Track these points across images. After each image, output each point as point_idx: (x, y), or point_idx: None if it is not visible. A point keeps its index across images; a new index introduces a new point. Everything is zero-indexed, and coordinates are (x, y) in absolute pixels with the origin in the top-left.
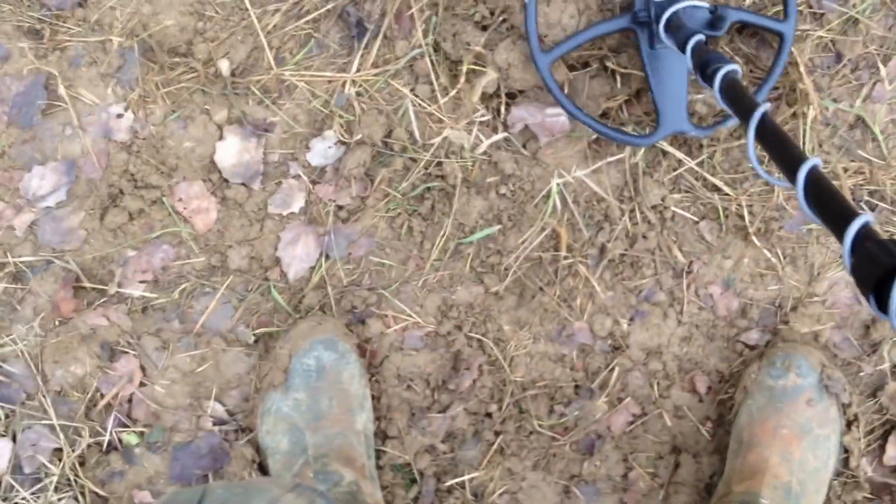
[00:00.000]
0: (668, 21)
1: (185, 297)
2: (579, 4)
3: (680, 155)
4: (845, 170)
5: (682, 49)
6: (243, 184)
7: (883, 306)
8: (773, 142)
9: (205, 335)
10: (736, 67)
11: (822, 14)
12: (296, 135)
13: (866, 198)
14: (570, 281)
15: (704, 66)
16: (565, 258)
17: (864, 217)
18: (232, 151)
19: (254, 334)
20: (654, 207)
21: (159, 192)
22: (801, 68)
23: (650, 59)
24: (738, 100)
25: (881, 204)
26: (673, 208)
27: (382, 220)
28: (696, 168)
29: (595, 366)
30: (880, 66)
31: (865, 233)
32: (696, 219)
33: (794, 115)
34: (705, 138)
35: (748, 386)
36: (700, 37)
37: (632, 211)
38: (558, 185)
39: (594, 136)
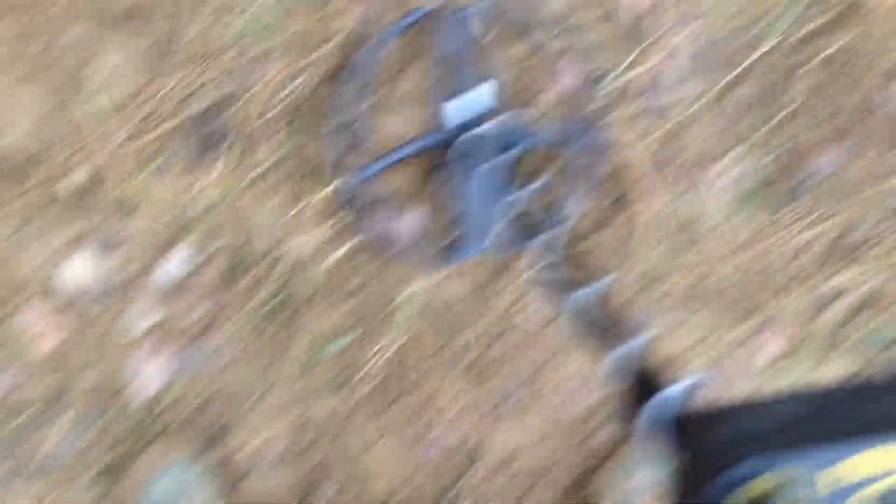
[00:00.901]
0: (471, 144)
1: (26, 427)
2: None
3: (523, 263)
4: (678, 270)
5: (480, 173)
6: (92, 302)
7: None
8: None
9: (47, 467)
10: (536, 186)
11: (652, 121)
12: (147, 249)
13: (699, 296)
14: (427, 386)
15: (499, 192)
16: (422, 364)
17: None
18: (80, 270)
19: (104, 462)
20: (504, 312)
21: (1, 314)
22: (634, 172)
23: (453, 179)
24: (534, 225)
25: (712, 301)
26: (523, 312)
27: (236, 335)
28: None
29: (456, 471)
30: (705, 168)
31: None
32: (543, 324)
33: (625, 218)
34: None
35: (603, 488)
36: (501, 161)
37: (483, 316)
38: (411, 292)
39: (444, 244)
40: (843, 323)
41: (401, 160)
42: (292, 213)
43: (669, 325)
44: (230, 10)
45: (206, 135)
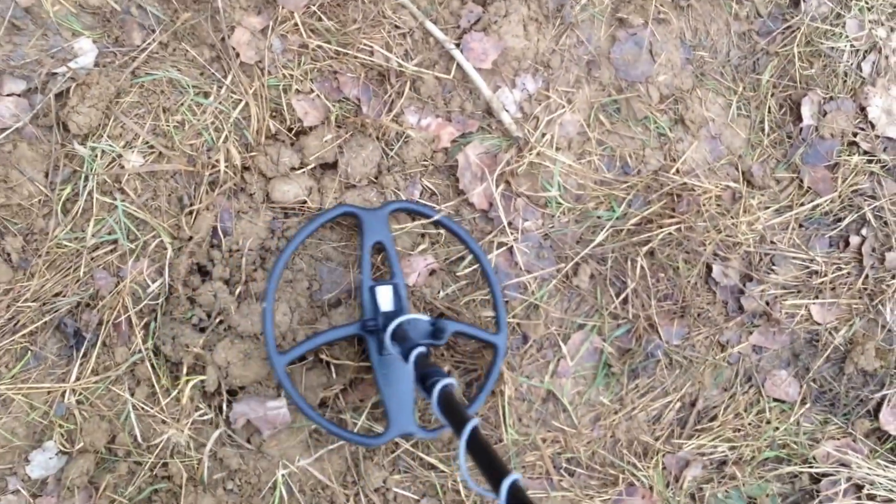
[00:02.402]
0: (394, 331)
1: None
2: (295, 314)
3: (396, 438)
4: (543, 440)
5: (406, 359)
6: None
7: None
8: (481, 454)
9: None
10: (452, 381)
11: (507, 301)
12: (14, 448)
13: (564, 465)
14: None
15: (424, 378)
16: None
17: None
18: None
19: None
20: (376, 490)
21: None
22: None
23: (379, 364)
24: (453, 413)
25: (577, 469)
26: (395, 489)
27: None
28: (412, 449)
29: None
30: (561, 344)
31: None
32: (417, 497)
33: (493, 393)
34: (417, 443)
35: None
36: (422, 349)
37: (356, 495)
38: (284, 475)
39: (314, 426)
40: (702, 483)
41: (324, 344)
42: (157, 407)
43: (538, 495)
44: (93, 213)
45: (73, 332)
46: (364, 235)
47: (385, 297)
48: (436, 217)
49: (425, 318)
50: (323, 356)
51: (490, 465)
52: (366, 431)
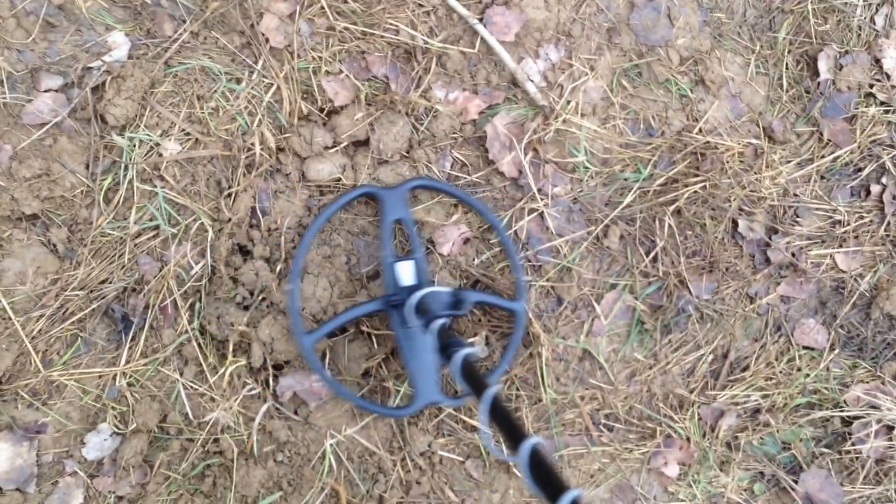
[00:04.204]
0: (416, 305)
1: None
2: (335, 289)
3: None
4: (582, 398)
5: (428, 330)
6: (17, 489)
7: None
8: (502, 420)
9: None
10: (474, 350)
11: (541, 266)
12: (69, 432)
13: (603, 421)
14: None
15: (446, 348)
16: None
17: (576, 492)
18: (2, 458)
19: None
20: (422, 454)
21: None
22: (530, 314)
23: (404, 337)
24: (474, 380)
25: (616, 424)
26: (440, 452)
27: None
28: (455, 412)
29: None
30: (595, 304)
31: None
32: (461, 459)
33: (530, 355)
34: (459, 406)
35: None
36: (444, 320)
37: (402, 460)
38: (331, 445)
39: (360, 395)
40: (738, 432)
41: (349, 321)
42: (206, 385)
43: (579, 451)
44: (134, 201)
45: (121, 317)
46: (384, 213)
47: (406, 272)
48: (457, 193)
49: (446, 289)
50: (364, 328)
51: (511, 429)
52: (408, 398)
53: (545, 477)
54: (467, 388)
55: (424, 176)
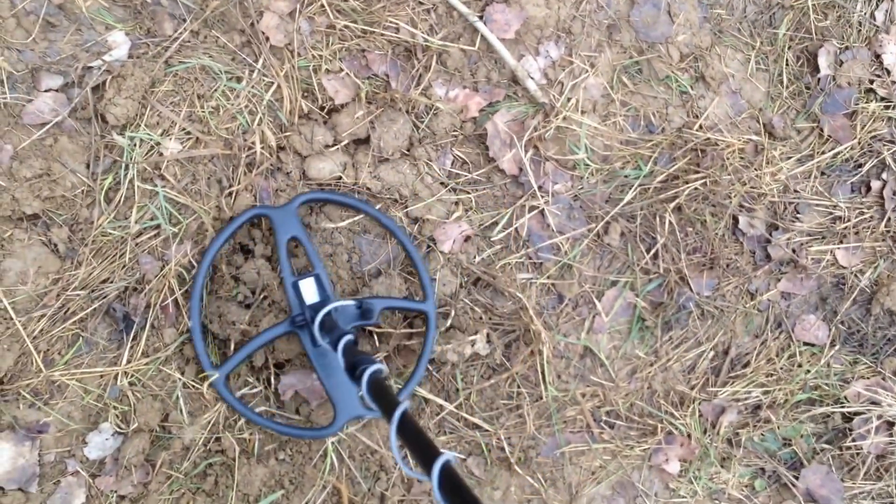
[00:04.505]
0: (322, 322)
1: None
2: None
3: (440, 401)
4: (583, 395)
5: (335, 349)
6: (19, 489)
7: None
8: (411, 437)
9: None
10: (381, 367)
11: (542, 263)
12: (71, 432)
13: (604, 418)
14: None
15: (354, 367)
16: None
17: None
18: (4, 458)
19: None
20: None
21: None
22: (531, 311)
23: (316, 356)
24: (383, 398)
25: (617, 421)
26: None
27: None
28: (456, 410)
29: None
30: (596, 301)
31: None
32: (463, 456)
33: (531, 353)
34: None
35: None
36: (349, 337)
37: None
38: (333, 443)
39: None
40: (739, 429)
41: (257, 350)
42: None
43: (580, 448)
44: (135, 201)
45: (123, 317)
46: (277, 233)
47: (309, 290)
48: (348, 202)
49: (350, 301)
50: (366, 327)
51: (422, 447)
52: (412, 395)
53: (458, 496)
54: (376, 407)
55: (311, 190)
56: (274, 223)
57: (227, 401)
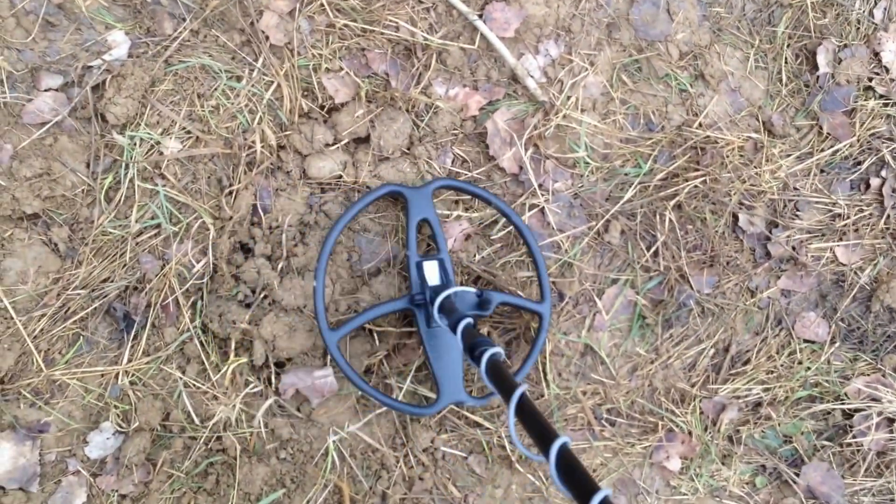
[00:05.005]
0: (442, 304)
1: None
2: (336, 286)
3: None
4: (584, 393)
5: (454, 330)
6: (20, 488)
7: None
8: (529, 419)
9: None
10: (499, 350)
11: None
12: (72, 431)
13: (605, 415)
14: None
15: (472, 348)
16: None
17: (605, 491)
18: (5, 457)
19: None
20: (425, 450)
21: None
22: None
23: (428, 336)
24: (501, 380)
25: (618, 419)
26: (442, 448)
27: (168, 503)
28: (457, 408)
29: None
30: (596, 299)
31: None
32: (464, 455)
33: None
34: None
35: None
36: (469, 320)
37: (405, 456)
38: (334, 441)
39: (361, 392)
40: (739, 426)
41: (373, 319)
42: (209, 383)
43: (581, 445)
44: (135, 200)
45: (123, 316)
46: (409, 213)
47: (431, 272)
48: (480, 193)
49: (471, 290)
50: (366, 325)
51: (539, 429)
52: (411, 394)
53: (574, 477)
54: (494, 388)
55: (447, 177)
56: (409, 202)
57: (339, 363)
